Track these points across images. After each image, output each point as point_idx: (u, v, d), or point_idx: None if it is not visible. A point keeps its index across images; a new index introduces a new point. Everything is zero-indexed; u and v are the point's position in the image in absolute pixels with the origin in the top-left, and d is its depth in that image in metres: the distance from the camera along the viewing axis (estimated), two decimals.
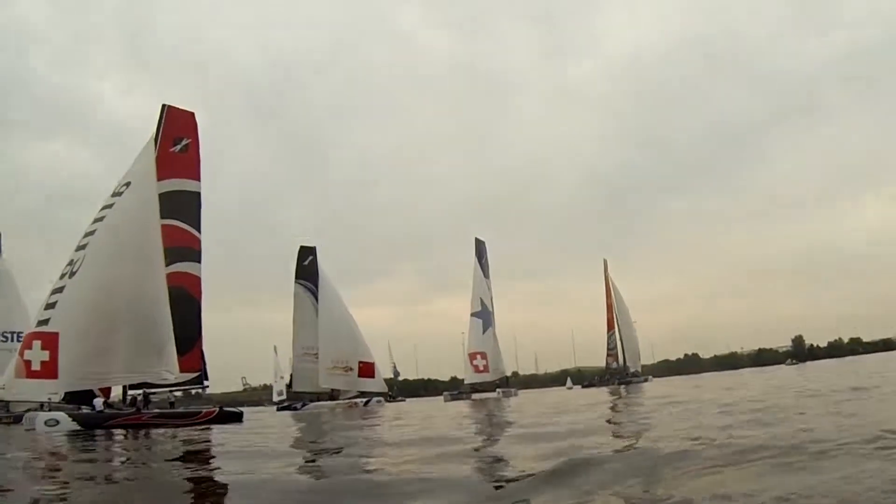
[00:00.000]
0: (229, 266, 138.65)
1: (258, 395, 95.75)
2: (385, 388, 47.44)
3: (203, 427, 21.11)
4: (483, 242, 56.08)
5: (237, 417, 24.43)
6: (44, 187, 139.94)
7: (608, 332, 71.85)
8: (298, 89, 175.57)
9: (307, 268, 47.09)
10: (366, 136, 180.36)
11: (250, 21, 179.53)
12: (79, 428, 20.43)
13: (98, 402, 22.91)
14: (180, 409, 26.06)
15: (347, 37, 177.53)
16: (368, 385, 45.56)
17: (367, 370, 45.56)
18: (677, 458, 5.10)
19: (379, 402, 44.21)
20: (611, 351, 72.13)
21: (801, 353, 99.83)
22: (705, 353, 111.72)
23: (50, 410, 21.91)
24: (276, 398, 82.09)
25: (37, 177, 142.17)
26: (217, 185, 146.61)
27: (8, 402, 26.32)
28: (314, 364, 45.02)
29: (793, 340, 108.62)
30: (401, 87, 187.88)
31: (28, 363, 21.18)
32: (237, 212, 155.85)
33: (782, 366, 78.69)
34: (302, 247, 47.85)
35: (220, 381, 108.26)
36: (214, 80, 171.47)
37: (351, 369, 45.01)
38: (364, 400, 43.89)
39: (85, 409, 22.56)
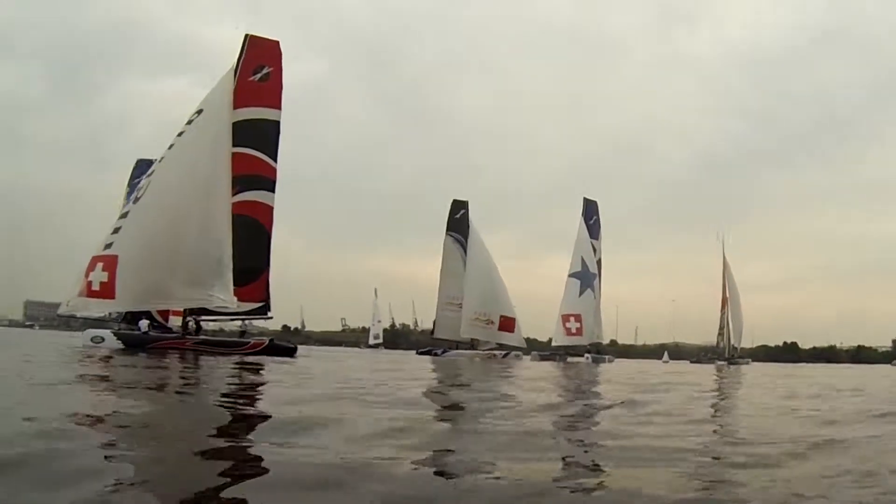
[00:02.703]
0: (339, 211, 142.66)
1: (356, 337, 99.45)
2: (524, 344, 48.86)
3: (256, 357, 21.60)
4: (594, 202, 55.33)
5: (289, 352, 24.90)
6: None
7: (721, 310, 71.73)
8: (411, 43, 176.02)
9: (458, 221, 48.74)
10: (474, 93, 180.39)
11: None
12: (122, 346, 21.90)
13: (143, 323, 23.71)
14: (228, 338, 26.48)
15: None
16: (508, 338, 47.23)
17: (507, 324, 47.19)
18: None
19: (517, 356, 45.82)
20: (721, 329, 72.25)
21: None
22: (803, 343, 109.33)
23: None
24: (371, 341, 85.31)
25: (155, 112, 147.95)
26: (330, 132, 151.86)
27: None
28: (457, 313, 47.00)
29: (893, 341, 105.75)
30: (511, 44, 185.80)
31: (90, 283, 22.42)
32: (342, 159, 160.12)
33: (887, 365, 76.92)
34: (455, 200, 49.52)
35: (322, 320, 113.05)
36: (329, 29, 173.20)
37: (492, 322, 46.76)
38: (503, 353, 45.66)
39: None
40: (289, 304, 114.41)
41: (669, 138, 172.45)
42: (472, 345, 47.19)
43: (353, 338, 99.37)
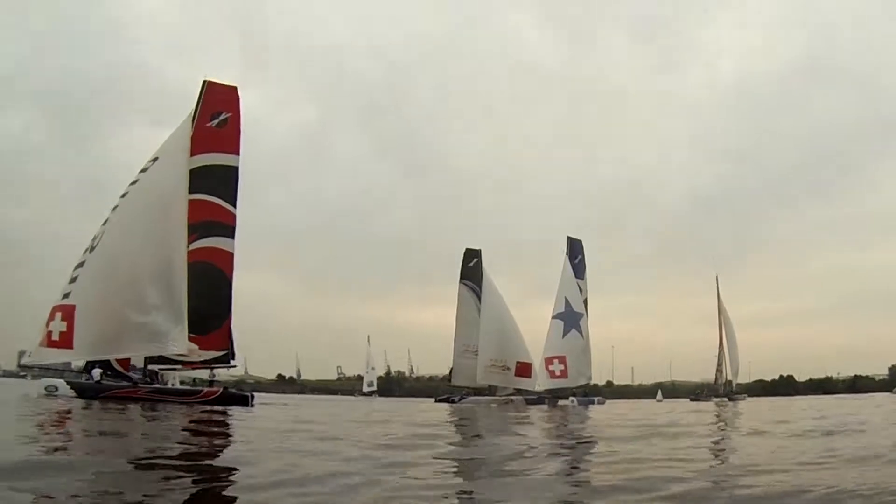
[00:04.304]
0: (331, 260, 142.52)
1: (351, 385, 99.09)
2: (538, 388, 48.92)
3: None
4: (578, 241, 56.04)
5: (243, 401, 24.09)
6: None
7: (719, 348, 73.06)
8: (407, 89, 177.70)
9: (472, 269, 49.76)
10: (467, 140, 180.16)
11: (361, 21, 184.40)
12: (75, 396, 21.76)
13: (96, 372, 23.24)
14: (182, 387, 26.13)
15: (455, 39, 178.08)
16: (525, 384, 47.58)
17: (523, 370, 47.65)
18: None
19: (525, 400, 45.41)
20: (719, 366, 73.48)
21: None
22: (800, 376, 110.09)
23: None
24: (365, 389, 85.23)
25: None
26: (324, 179, 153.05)
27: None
28: (473, 360, 47.58)
29: (889, 369, 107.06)
30: (503, 91, 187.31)
31: (49, 333, 22.41)
32: (339, 207, 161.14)
33: (886, 394, 77.61)
34: (468, 249, 50.53)
35: (318, 368, 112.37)
36: (325, 77, 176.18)
37: (508, 368, 47.26)
38: (521, 398, 45.96)
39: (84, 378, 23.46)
40: (285, 353, 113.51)
41: (665, 181, 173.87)
42: (490, 391, 47.55)
43: (348, 386, 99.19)
